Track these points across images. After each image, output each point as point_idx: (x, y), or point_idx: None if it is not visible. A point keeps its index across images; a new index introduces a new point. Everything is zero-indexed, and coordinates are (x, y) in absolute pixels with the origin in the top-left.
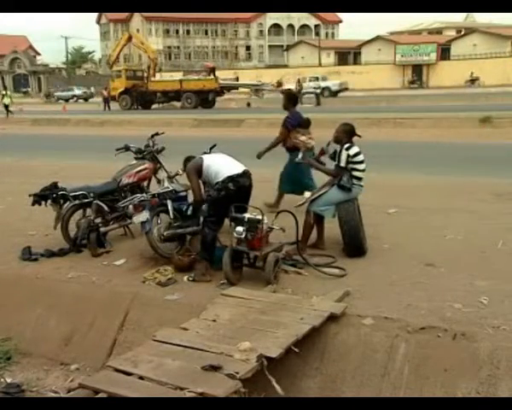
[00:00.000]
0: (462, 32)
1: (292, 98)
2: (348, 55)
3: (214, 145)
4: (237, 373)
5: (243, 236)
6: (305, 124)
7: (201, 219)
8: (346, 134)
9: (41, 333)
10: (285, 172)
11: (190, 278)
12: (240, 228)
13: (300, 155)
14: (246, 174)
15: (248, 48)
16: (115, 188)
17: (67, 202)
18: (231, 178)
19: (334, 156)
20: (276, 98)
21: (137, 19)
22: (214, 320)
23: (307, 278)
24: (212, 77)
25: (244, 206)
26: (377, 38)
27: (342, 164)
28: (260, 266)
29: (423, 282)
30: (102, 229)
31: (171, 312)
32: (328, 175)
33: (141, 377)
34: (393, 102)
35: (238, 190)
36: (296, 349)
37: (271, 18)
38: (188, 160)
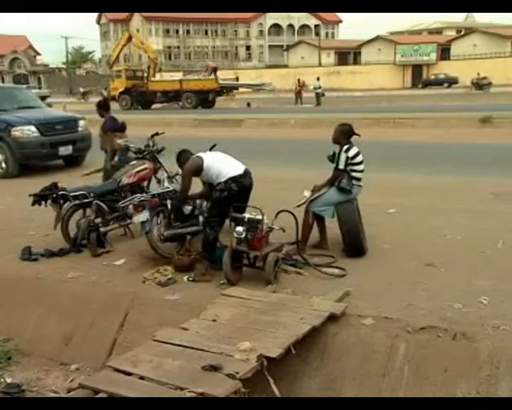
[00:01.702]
0: (462, 32)
1: (103, 106)
2: (348, 55)
3: (214, 145)
4: (237, 373)
5: (243, 236)
6: (121, 128)
7: (201, 218)
8: (344, 135)
9: (41, 333)
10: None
11: (190, 278)
12: (240, 228)
13: (116, 158)
14: (247, 174)
15: (248, 48)
16: (115, 188)
17: (67, 202)
18: (234, 179)
19: (333, 159)
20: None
21: (137, 19)
22: (214, 320)
23: (307, 278)
24: (212, 77)
25: (243, 206)
26: (377, 38)
27: (341, 166)
28: (260, 266)
29: (423, 282)
30: (102, 229)
31: (171, 312)
32: None
33: (141, 377)
34: (393, 102)
35: (240, 190)
36: (295, 348)
37: (271, 18)
38: (181, 154)
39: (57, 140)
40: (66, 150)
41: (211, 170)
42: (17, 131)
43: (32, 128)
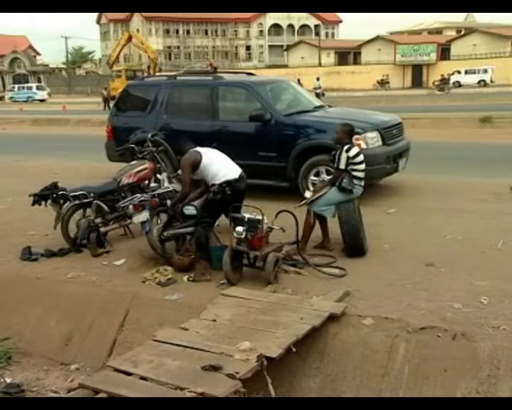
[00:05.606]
0: (462, 32)
1: None
2: (348, 55)
3: (215, 145)
4: (237, 373)
5: (243, 236)
6: None
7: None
8: (346, 135)
9: (41, 333)
10: None
11: (190, 278)
12: (240, 228)
13: None
14: (242, 178)
15: (248, 48)
16: (115, 188)
17: (67, 202)
18: (229, 183)
19: (334, 159)
20: None
21: (137, 19)
22: (214, 320)
23: (307, 278)
24: None
25: (240, 205)
26: (377, 38)
27: (342, 166)
28: (260, 266)
29: (423, 282)
30: (102, 229)
31: (171, 312)
32: None
33: (141, 377)
34: (393, 102)
35: (234, 193)
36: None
37: (271, 18)
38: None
39: (398, 151)
40: (402, 164)
41: (207, 169)
42: (361, 140)
43: (377, 135)
